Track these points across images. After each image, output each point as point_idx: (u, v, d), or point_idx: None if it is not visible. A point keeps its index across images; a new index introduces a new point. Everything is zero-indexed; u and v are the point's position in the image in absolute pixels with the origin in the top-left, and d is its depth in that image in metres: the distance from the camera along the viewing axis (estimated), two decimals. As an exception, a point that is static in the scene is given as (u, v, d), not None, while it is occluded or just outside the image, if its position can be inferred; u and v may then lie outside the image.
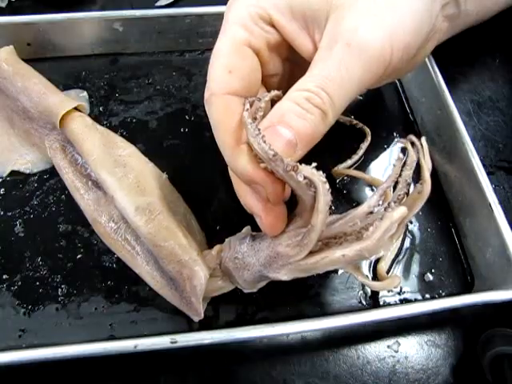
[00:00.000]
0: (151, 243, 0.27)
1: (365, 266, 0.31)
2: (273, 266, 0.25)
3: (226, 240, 0.28)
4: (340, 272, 0.31)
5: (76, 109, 0.33)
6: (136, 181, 0.30)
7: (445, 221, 0.33)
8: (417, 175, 0.24)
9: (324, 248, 0.24)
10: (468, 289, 0.31)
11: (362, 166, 0.35)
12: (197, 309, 0.26)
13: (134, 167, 0.31)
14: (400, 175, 0.24)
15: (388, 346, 0.30)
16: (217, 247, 0.28)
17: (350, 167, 0.34)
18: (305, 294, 0.30)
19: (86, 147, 0.31)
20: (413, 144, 0.25)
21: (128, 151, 0.32)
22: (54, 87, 0.34)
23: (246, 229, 0.28)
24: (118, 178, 0.30)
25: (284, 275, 0.25)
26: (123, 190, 0.29)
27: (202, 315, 0.27)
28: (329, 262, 0.23)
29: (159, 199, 0.30)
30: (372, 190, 0.34)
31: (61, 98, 0.33)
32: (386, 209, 0.23)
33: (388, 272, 0.30)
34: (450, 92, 0.34)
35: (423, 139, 0.25)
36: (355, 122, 0.35)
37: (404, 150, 0.25)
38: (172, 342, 0.25)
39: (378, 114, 0.39)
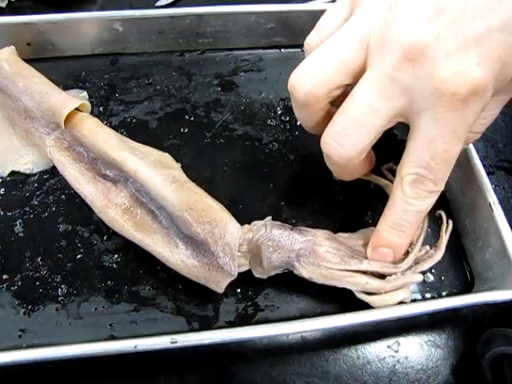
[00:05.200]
0: (181, 208, 0.27)
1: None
2: (303, 258, 0.27)
3: (262, 221, 0.29)
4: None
5: (77, 109, 0.33)
6: (157, 160, 0.31)
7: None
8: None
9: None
10: (468, 289, 0.31)
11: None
12: (230, 269, 0.27)
13: (151, 153, 0.32)
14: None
15: (388, 346, 0.30)
16: (245, 226, 0.28)
17: None
18: (305, 294, 0.30)
19: (101, 137, 0.31)
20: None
21: (140, 145, 0.33)
22: (56, 87, 0.34)
23: (268, 219, 0.29)
24: (139, 157, 0.30)
25: (307, 272, 0.27)
26: (147, 165, 0.30)
27: (236, 274, 0.27)
28: (353, 281, 0.27)
29: (182, 174, 0.31)
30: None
31: (64, 97, 0.33)
32: (410, 267, 0.28)
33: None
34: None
35: (450, 222, 0.30)
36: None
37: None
38: (172, 342, 0.25)
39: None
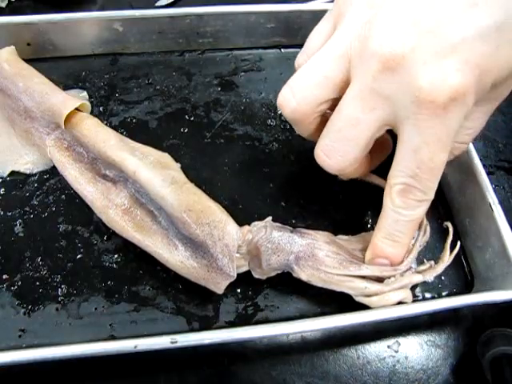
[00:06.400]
0: (180, 209, 0.27)
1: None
2: (302, 261, 0.27)
3: (262, 222, 0.28)
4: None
5: (77, 109, 0.33)
6: (157, 160, 0.31)
7: (445, 221, 0.33)
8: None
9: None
10: (468, 289, 0.31)
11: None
12: (229, 270, 0.27)
13: (151, 153, 0.32)
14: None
15: (388, 346, 0.30)
16: (245, 227, 0.28)
17: None
18: (304, 294, 0.30)
19: (100, 137, 0.31)
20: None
21: (140, 145, 0.33)
22: (56, 87, 0.34)
23: (269, 219, 0.29)
24: (139, 158, 0.30)
25: (305, 275, 0.27)
26: (147, 166, 0.30)
27: (235, 275, 0.27)
28: (352, 286, 0.27)
29: (181, 174, 0.31)
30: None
31: (64, 97, 0.33)
32: (410, 268, 0.28)
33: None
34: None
35: (458, 243, 0.29)
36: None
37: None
38: (172, 342, 0.25)
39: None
